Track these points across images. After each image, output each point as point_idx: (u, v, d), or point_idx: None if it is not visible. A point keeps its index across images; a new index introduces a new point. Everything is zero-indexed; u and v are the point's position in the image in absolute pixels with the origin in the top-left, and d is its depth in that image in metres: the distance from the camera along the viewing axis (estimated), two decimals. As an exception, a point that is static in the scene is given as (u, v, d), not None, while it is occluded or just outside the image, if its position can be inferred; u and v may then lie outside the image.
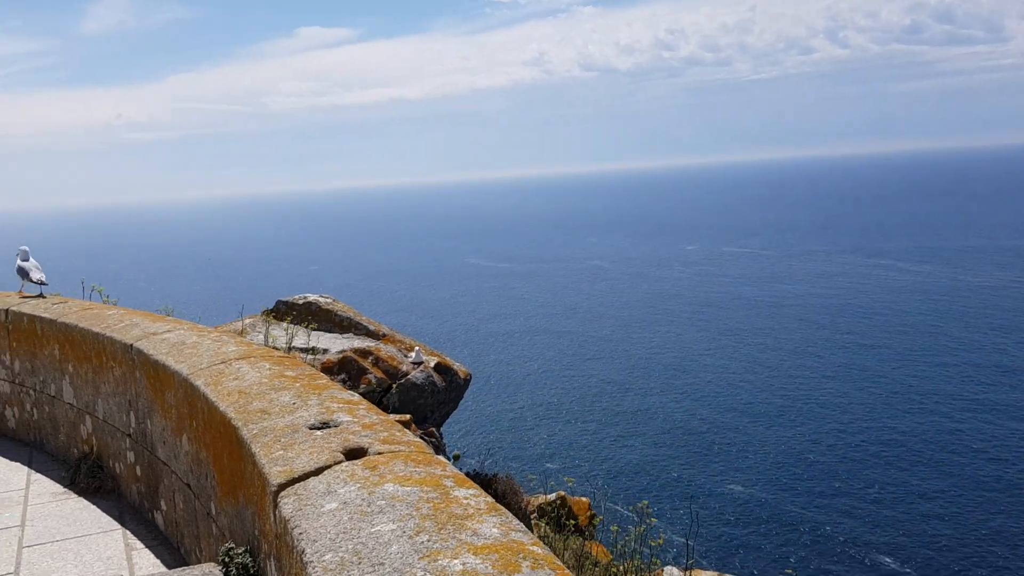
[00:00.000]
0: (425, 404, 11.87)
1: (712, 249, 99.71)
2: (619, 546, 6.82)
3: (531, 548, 1.77)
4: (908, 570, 23.07)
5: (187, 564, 4.09)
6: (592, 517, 12.18)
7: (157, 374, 4.37)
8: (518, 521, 1.89)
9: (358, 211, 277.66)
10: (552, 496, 11.85)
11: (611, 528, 7.84)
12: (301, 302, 14.18)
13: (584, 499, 12.41)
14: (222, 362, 3.98)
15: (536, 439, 33.67)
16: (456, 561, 1.71)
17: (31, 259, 7.37)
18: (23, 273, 7.35)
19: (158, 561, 4.45)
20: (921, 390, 38.47)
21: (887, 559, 23.71)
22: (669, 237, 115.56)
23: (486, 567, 1.68)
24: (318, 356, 11.32)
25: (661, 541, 6.51)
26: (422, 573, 1.68)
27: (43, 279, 7.31)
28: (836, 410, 36.39)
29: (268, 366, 3.79)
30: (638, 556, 6.37)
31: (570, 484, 11.40)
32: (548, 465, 29.48)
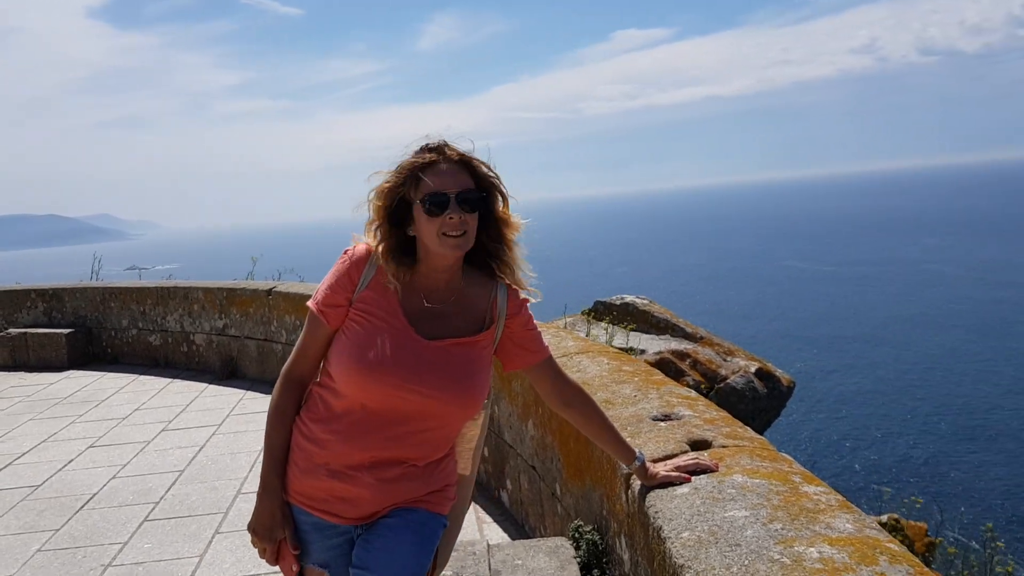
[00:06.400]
0: (744, 410, 11.63)
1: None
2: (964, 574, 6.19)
3: (887, 544, 1.79)
4: None
5: (531, 539, 4.52)
6: (930, 545, 11.14)
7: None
8: (871, 519, 1.91)
9: (670, 213, 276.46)
10: (884, 518, 11.03)
11: (950, 556, 7.12)
12: (618, 303, 14.51)
13: (921, 524, 11.39)
14: (564, 355, 4.37)
15: (861, 454, 31.21)
16: (812, 549, 1.78)
17: None
18: None
19: (505, 535, 4.96)
20: None
21: None
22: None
23: (843, 557, 1.73)
24: (636, 356, 11.63)
25: (1010, 569, 5.79)
26: (779, 556, 1.77)
27: None
28: None
29: (606, 361, 4.08)
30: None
31: (918, 504, 10.50)
32: (875, 486, 27.19)
